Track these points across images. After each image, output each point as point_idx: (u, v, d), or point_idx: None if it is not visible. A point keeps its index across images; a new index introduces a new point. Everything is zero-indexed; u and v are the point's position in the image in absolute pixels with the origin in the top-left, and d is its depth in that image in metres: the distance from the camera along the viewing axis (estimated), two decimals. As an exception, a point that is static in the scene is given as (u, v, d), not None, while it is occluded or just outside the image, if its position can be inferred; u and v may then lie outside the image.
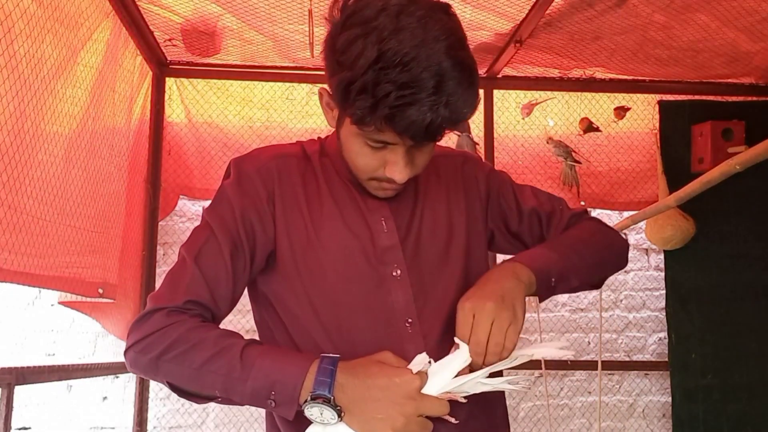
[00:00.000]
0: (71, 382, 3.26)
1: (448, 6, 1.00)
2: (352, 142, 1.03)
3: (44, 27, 1.96)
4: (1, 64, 1.68)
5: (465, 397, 0.99)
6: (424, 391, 0.95)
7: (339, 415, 0.93)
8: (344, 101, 0.96)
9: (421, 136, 0.95)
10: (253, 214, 1.09)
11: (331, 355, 0.97)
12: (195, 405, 3.34)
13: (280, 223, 1.10)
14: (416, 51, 0.90)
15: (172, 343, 0.98)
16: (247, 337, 1.02)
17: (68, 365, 2.29)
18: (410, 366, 0.96)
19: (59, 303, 2.46)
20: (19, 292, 3.25)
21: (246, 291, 1.16)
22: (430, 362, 0.98)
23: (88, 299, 2.41)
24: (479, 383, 0.98)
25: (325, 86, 1.06)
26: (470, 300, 1.01)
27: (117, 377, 3.25)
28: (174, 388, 1.02)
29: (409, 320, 1.07)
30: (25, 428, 3.25)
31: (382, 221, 1.11)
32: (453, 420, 0.98)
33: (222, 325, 1.07)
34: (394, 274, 1.08)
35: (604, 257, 1.21)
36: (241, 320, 3.03)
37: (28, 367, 1.91)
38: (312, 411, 0.93)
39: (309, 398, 0.93)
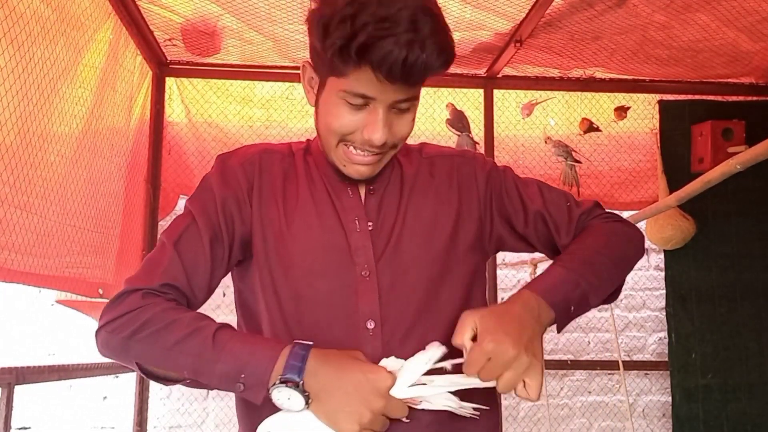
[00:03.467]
0: (71, 382, 3.26)
1: None
2: (332, 103, 1.02)
3: (58, 29, 1.98)
4: (1, 64, 1.69)
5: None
6: (391, 392, 0.95)
7: (306, 402, 0.92)
8: (324, 37, 0.97)
9: (398, 73, 0.94)
10: (233, 204, 1.10)
11: (304, 341, 0.97)
12: (195, 405, 3.34)
13: (256, 214, 1.11)
14: None
15: (144, 322, 0.97)
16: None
17: (68, 365, 2.28)
18: (383, 364, 0.96)
19: (57, 302, 2.46)
20: (19, 292, 3.25)
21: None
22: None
23: (88, 299, 2.41)
24: (443, 400, 0.96)
25: (309, 60, 1.08)
26: (491, 336, 0.93)
27: (117, 377, 3.25)
28: (143, 371, 1.01)
29: (371, 323, 1.06)
30: (25, 428, 3.25)
31: (356, 221, 1.10)
32: (405, 420, 0.97)
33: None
34: (363, 274, 1.07)
35: (621, 266, 1.14)
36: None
37: (28, 367, 1.91)
38: (280, 395, 0.93)
39: (278, 381, 0.92)
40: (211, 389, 1.00)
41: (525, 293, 1.03)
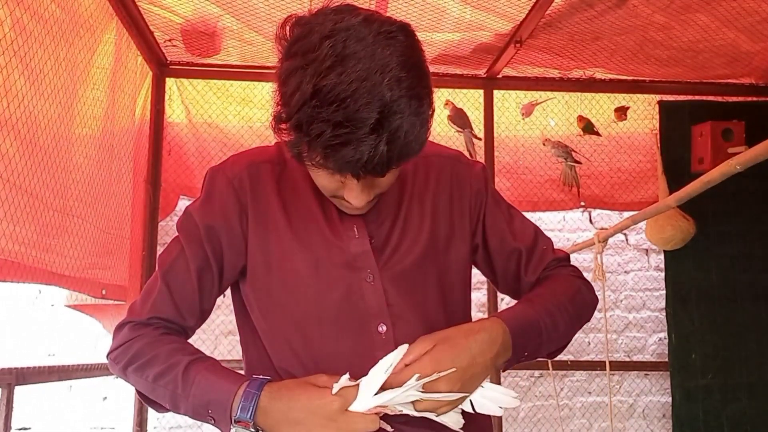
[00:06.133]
0: (71, 382, 3.26)
1: (406, 26, 0.92)
2: (308, 165, 0.98)
3: (72, 31, 2.03)
4: (32, 66, 1.70)
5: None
6: (353, 408, 0.94)
7: None
8: (280, 135, 0.93)
9: (362, 172, 0.89)
10: (222, 231, 1.08)
11: (260, 377, 0.99)
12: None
13: (253, 235, 1.09)
14: (356, 85, 0.83)
15: (133, 355, 1.05)
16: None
17: (68, 365, 2.29)
18: (338, 385, 0.95)
19: (66, 306, 2.46)
20: (19, 292, 3.25)
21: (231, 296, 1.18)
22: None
23: (94, 300, 2.42)
24: (409, 396, 0.95)
25: None
26: (437, 356, 0.95)
27: (117, 377, 3.24)
28: (141, 396, 1.09)
29: (382, 326, 1.05)
30: (25, 428, 3.25)
31: (354, 227, 1.08)
32: (389, 428, 0.98)
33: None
34: (368, 279, 1.06)
35: (576, 326, 1.14)
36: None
37: (28, 367, 1.91)
38: None
39: (233, 422, 0.96)
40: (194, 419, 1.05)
41: (497, 325, 1.02)
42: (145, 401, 1.09)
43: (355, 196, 0.98)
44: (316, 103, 0.84)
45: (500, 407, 1.00)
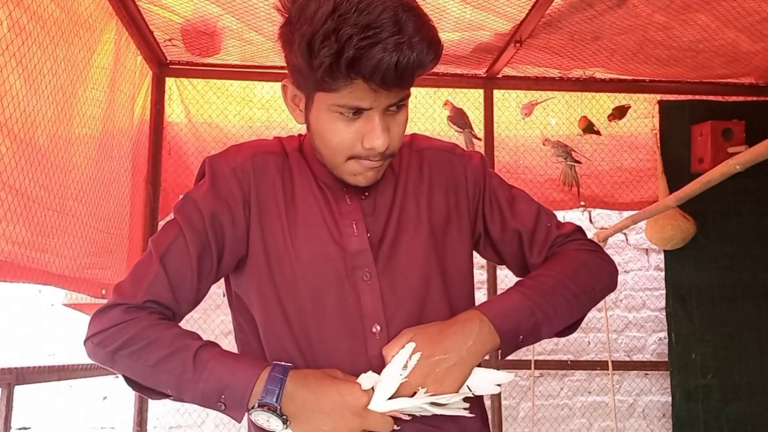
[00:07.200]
0: (71, 382, 3.27)
1: None
2: (324, 119, 1.01)
3: (71, 31, 2.03)
4: (30, 67, 1.69)
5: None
6: (370, 407, 0.96)
7: (284, 423, 0.95)
8: (309, 57, 0.94)
9: (392, 78, 0.93)
10: (225, 217, 1.07)
11: (283, 363, 0.99)
12: (194, 405, 3.34)
13: (254, 226, 1.08)
14: (369, 0, 0.92)
15: (129, 339, 0.99)
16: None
17: (68, 365, 2.29)
18: (359, 381, 0.97)
19: (64, 305, 2.46)
20: (19, 292, 3.25)
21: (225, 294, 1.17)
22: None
23: (92, 300, 2.43)
24: (423, 409, 0.97)
25: (287, 80, 1.05)
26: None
27: (117, 377, 3.24)
28: (130, 382, 1.03)
29: (377, 326, 1.05)
30: (25, 428, 3.26)
31: (353, 225, 1.09)
32: (397, 427, 0.99)
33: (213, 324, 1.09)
34: (365, 278, 1.07)
35: (582, 300, 1.10)
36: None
37: (28, 367, 1.91)
38: (259, 417, 0.96)
39: (256, 405, 0.95)
40: (195, 405, 1.02)
41: (472, 315, 1.03)
42: (135, 388, 1.04)
43: (378, 135, 0.99)
44: (340, 14, 0.91)
45: (497, 385, 1.01)
